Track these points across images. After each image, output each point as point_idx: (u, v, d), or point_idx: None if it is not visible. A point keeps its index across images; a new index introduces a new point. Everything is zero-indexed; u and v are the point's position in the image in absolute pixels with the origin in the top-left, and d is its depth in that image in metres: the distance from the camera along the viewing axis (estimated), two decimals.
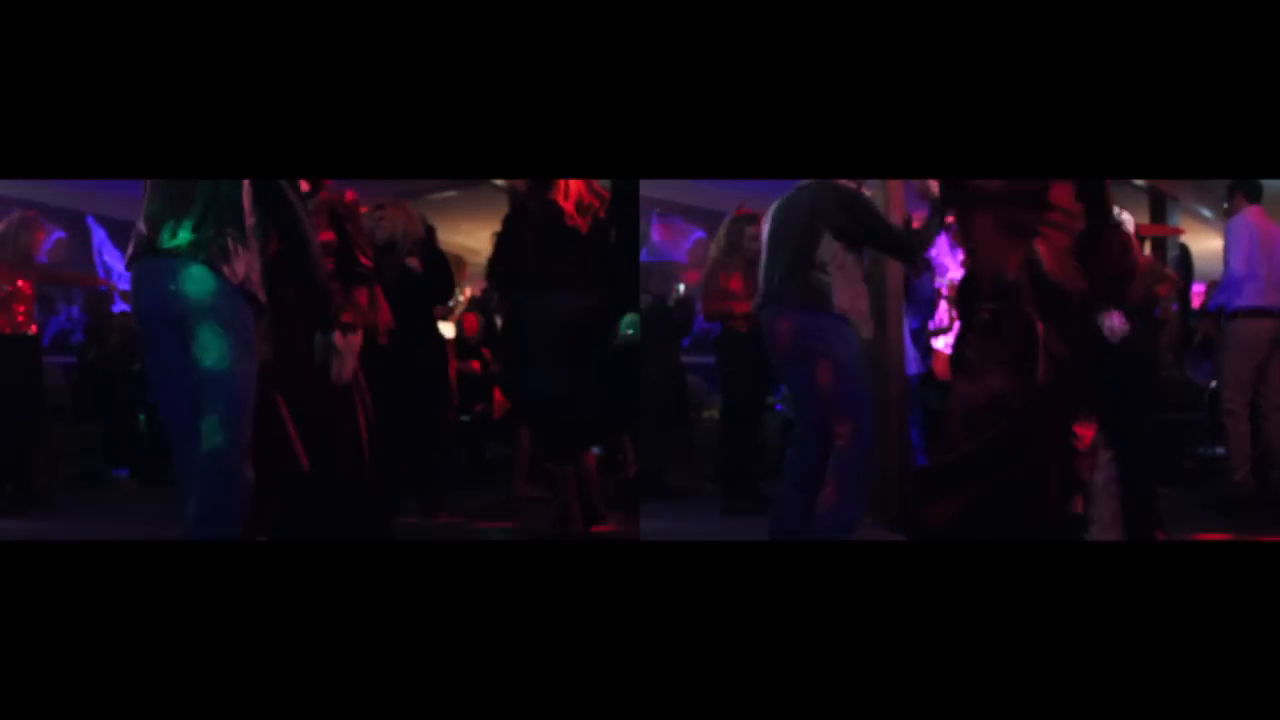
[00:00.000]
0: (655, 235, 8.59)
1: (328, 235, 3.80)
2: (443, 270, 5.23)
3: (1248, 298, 5.43)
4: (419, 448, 5.30)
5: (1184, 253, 6.85)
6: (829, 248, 3.70)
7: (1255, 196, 5.57)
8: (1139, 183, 6.92)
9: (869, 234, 3.78)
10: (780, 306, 3.76)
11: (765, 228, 3.92)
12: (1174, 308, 5.74)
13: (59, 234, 7.78)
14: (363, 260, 4.07)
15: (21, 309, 5.74)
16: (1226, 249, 5.53)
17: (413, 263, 5.03)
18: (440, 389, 5.51)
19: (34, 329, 5.84)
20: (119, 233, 8.55)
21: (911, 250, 4.00)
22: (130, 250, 2.78)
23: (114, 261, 8.55)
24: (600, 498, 4.49)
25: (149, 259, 2.73)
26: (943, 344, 5.37)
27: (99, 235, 8.72)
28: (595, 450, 6.48)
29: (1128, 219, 3.99)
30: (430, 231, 5.35)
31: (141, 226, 2.75)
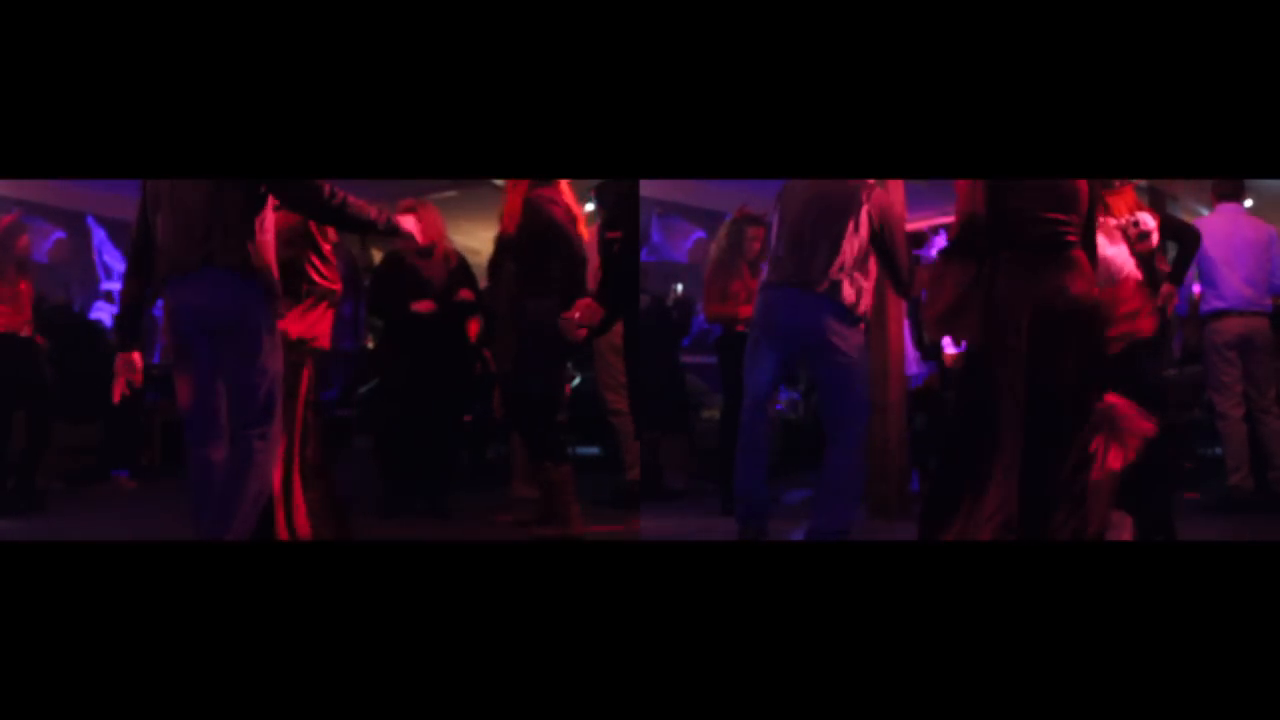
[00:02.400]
0: (655, 235, 8.59)
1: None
2: (478, 289, 5.37)
3: (1209, 302, 5.45)
4: (433, 450, 5.31)
5: None
6: (863, 251, 3.72)
7: (1226, 194, 5.56)
8: (1139, 183, 6.92)
9: (895, 254, 3.82)
10: (811, 295, 3.75)
11: (788, 208, 3.88)
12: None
13: (59, 234, 7.74)
14: (315, 278, 4.04)
15: (24, 309, 5.72)
16: None
17: (465, 295, 5.18)
18: (461, 394, 5.54)
19: (28, 330, 5.77)
20: (119, 233, 8.54)
21: (908, 287, 4.05)
22: (166, 269, 2.82)
23: (114, 261, 8.53)
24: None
25: (189, 274, 2.77)
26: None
27: (99, 235, 8.70)
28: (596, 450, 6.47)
29: (1148, 220, 3.97)
30: None
31: (172, 245, 2.79)
